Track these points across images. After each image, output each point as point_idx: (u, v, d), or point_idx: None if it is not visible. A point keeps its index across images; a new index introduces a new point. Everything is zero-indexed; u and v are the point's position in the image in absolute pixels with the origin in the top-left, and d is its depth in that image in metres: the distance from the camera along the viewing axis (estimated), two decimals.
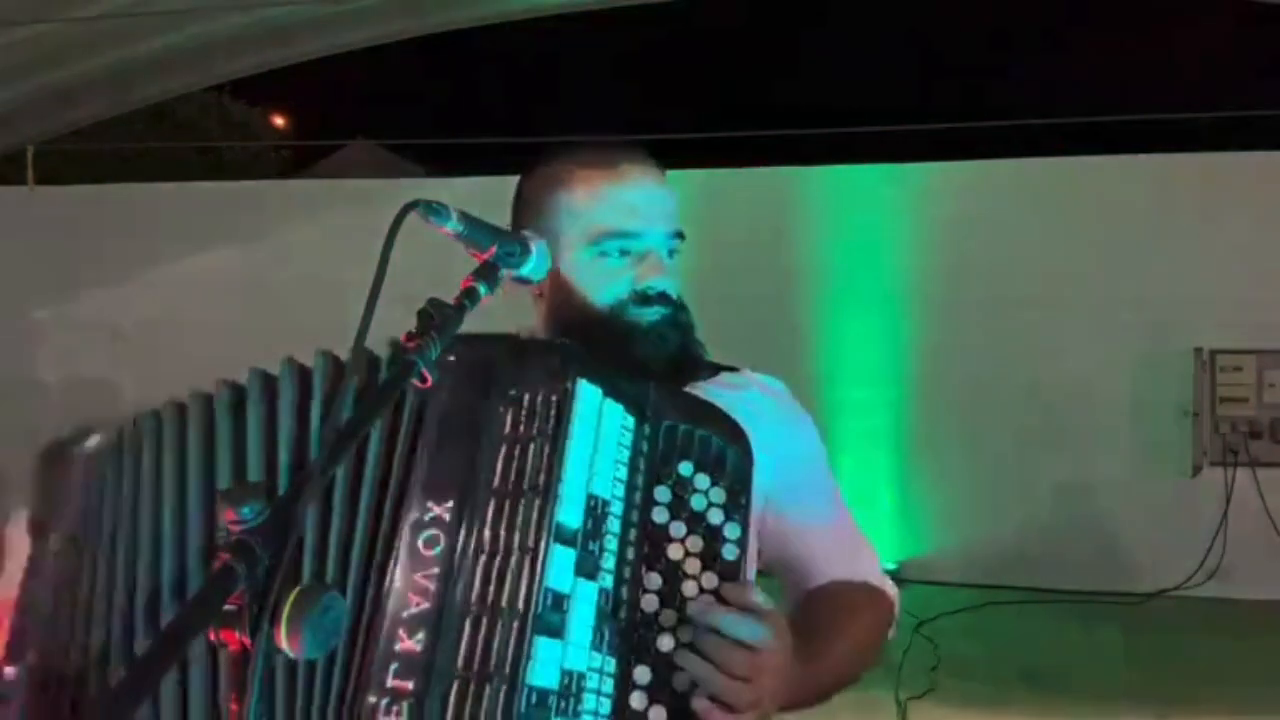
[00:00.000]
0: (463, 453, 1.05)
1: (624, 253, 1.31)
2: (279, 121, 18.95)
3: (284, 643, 0.82)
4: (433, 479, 1.05)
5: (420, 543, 1.03)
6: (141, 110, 8.65)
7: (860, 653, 1.35)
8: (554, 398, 1.05)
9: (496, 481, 1.03)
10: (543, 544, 1.00)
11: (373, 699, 1.00)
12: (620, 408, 1.11)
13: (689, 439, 1.17)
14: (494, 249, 1.16)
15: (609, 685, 1.06)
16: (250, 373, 1.16)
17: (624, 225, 1.30)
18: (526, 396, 1.05)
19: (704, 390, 1.33)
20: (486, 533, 1.02)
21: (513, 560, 1.00)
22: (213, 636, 0.84)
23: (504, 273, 1.18)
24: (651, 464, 1.14)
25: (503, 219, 1.20)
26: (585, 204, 1.32)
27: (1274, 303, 6.00)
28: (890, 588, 1.46)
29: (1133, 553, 6.15)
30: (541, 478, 1.02)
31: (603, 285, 1.30)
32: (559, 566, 1.02)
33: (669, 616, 1.10)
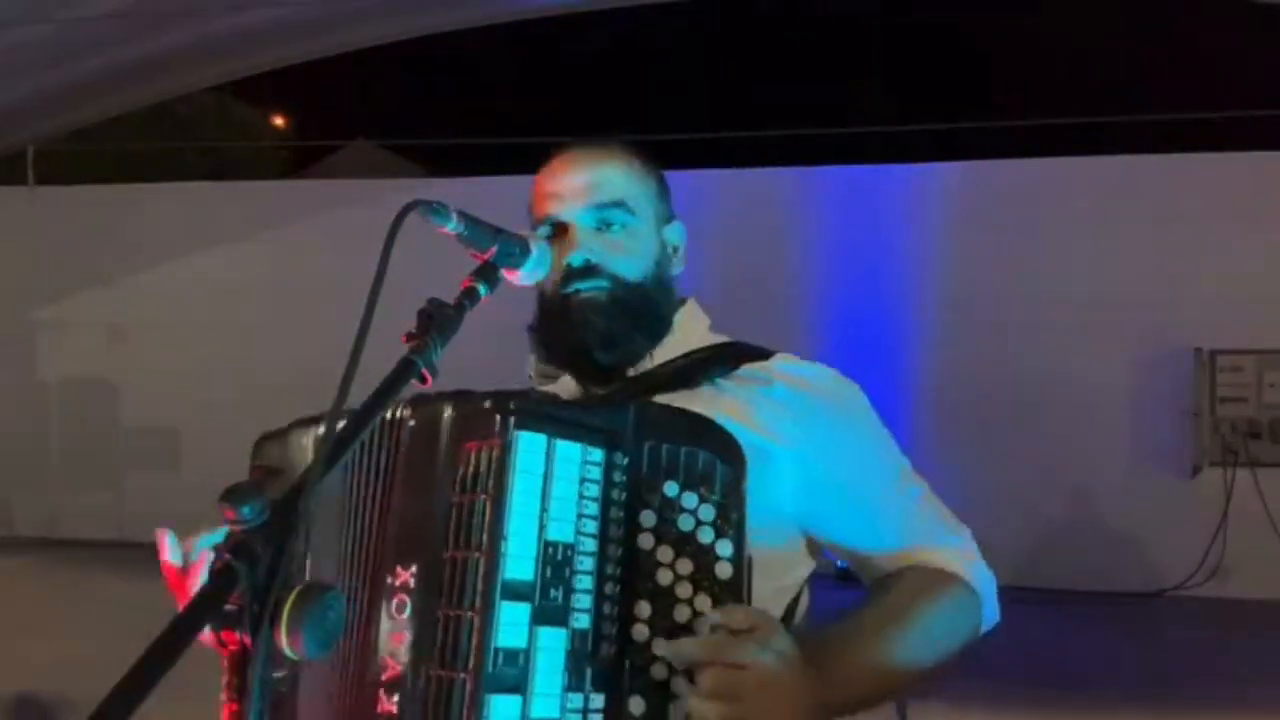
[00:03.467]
0: (421, 516, 1.07)
1: (552, 237, 1.32)
2: (279, 121, 18.94)
3: (284, 643, 0.82)
4: (399, 542, 1.08)
5: (393, 605, 1.06)
6: (141, 110, 8.64)
7: (925, 643, 1.27)
8: (493, 453, 1.04)
9: (450, 542, 1.04)
10: (490, 604, 1.01)
11: None
12: (578, 446, 1.09)
13: (674, 458, 1.14)
14: (494, 249, 1.17)
15: None
16: None
17: (545, 211, 1.35)
18: (472, 456, 1.05)
19: (717, 387, 1.30)
20: (443, 597, 1.03)
21: (464, 622, 1.02)
22: (214, 636, 0.84)
23: (503, 272, 1.18)
24: (632, 491, 1.12)
25: (503, 219, 1.20)
26: (531, 203, 1.39)
27: (1274, 303, 6.01)
28: (972, 571, 1.37)
29: (1133, 553, 6.15)
30: (484, 537, 1.02)
31: (543, 272, 1.28)
32: (510, 623, 1.02)
33: (661, 644, 1.09)
